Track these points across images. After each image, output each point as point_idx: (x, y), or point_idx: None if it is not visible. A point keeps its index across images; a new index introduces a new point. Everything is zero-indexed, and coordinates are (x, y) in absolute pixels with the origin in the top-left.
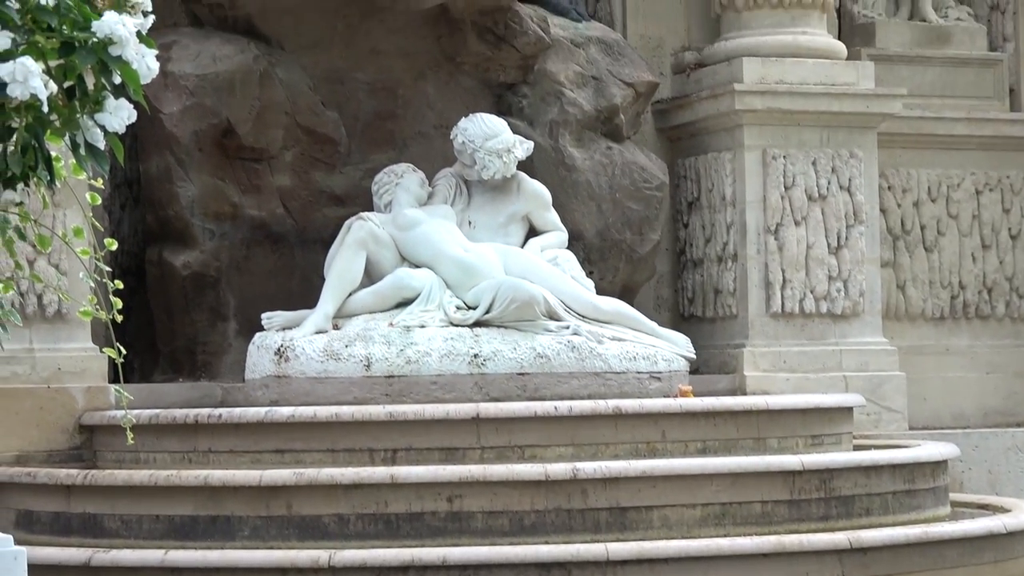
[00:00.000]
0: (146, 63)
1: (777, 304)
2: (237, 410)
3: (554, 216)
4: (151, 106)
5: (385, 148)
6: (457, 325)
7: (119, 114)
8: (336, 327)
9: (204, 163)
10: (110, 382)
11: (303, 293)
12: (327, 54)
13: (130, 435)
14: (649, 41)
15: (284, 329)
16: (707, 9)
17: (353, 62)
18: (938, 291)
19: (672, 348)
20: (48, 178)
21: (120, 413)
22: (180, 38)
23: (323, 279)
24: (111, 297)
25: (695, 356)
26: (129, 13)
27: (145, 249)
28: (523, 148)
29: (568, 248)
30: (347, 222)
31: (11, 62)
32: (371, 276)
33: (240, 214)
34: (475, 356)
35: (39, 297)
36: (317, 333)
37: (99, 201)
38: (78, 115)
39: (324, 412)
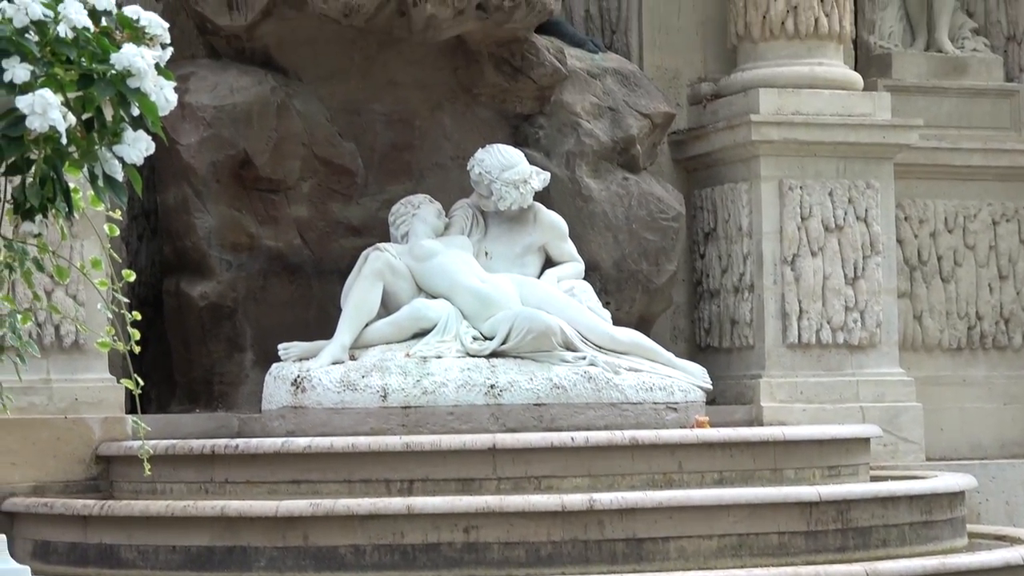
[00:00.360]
0: (164, 95)
1: (794, 335)
2: (254, 441)
3: (571, 247)
4: (169, 137)
5: (402, 179)
6: (474, 356)
7: (137, 146)
8: (353, 358)
9: (221, 194)
10: (127, 412)
11: (320, 324)
12: (344, 85)
13: (147, 466)
14: (666, 72)
15: (301, 360)
16: (723, 40)
17: (370, 93)
18: (955, 322)
19: (689, 379)
20: (66, 210)
21: (137, 444)
22: (198, 70)
23: (340, 310)
24: (129, 328)
25: (712, 387)
26: (147, 45)
27: (162, 280)
28: (540, 179)
29: (585, 279)
30: (364, 253)
31: (30, 94)
32: (388, 307)
33: (257, 245)
34: (492, 387)
35: (56, 328)
36: (334, 364)
37: (117, 232)
38: (96, 147)
39: (341, 443)
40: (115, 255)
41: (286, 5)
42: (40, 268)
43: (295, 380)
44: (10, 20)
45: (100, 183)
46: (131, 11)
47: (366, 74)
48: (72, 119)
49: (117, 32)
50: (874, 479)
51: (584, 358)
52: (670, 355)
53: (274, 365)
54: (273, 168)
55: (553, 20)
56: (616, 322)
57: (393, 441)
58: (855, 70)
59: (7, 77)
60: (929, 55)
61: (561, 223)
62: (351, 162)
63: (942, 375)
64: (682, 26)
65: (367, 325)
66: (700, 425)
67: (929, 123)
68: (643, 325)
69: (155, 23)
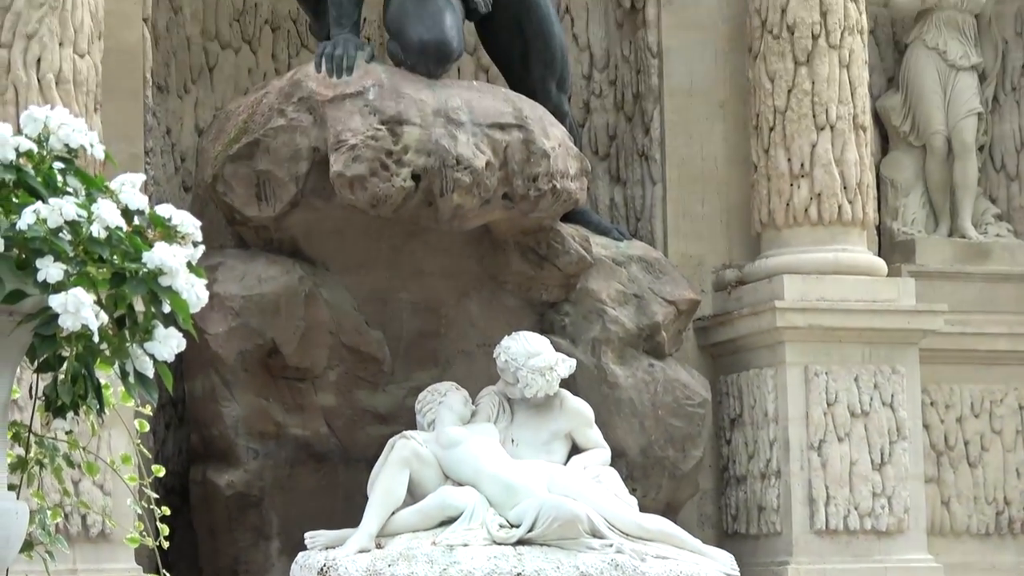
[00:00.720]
0: (196, 292)
1: (821, 521)
2: None
3: (596, 433)
4: (197, 327)
5: (428, 367)
6: (500, 543)
7: (168, 343)
8: (379, 546)
9: (249, 383)
10: None
11: (347, 512)
12: (372, 274)
13: None
14: (690, 259)
15: (327, 548)
16: (748, 227)
17: (397, 282)
18: (983, 507)
19: (716, 566)
20: (97, 407)
21: None
22: (226, 259)
23: (367, 498)
24: (158, 523)
25: (739, 574)
26: (179, 243)
27: (189, 468)
28: (565, 366)
29: (611, 465)
30: (390, 441)
31: (63, 294)
32: (414, 495)
33: (284, 433)
34: (518, 575)
35: (83, 517)
36: (360, 552)
37: (147, 428)
38: (128, 344)
39: None
40: (145, 451)
41: (314, 196)
42: (71, 464)
43: (321, 569)
44: (44, 220)
45: (131, 380)
46: (163, 210)
47: (393, 263)
48: (104, 317)
49: (149, 230)
50: None
51: (611, 545)
52: (697, 542)
53: (300, 554)
54: (300, 357)
55: (578, 209)
56: (643, 509)
57: None
58: (879, 256)
59: (41, 276)
60: (953, 241)
61: (587, 410)
62: (378, 350)
63: (971, 561)
64: (706, 214)
65: (394, 513)
66: None
67: (954, 308)
68: (670, 512)
69: (187, 222)
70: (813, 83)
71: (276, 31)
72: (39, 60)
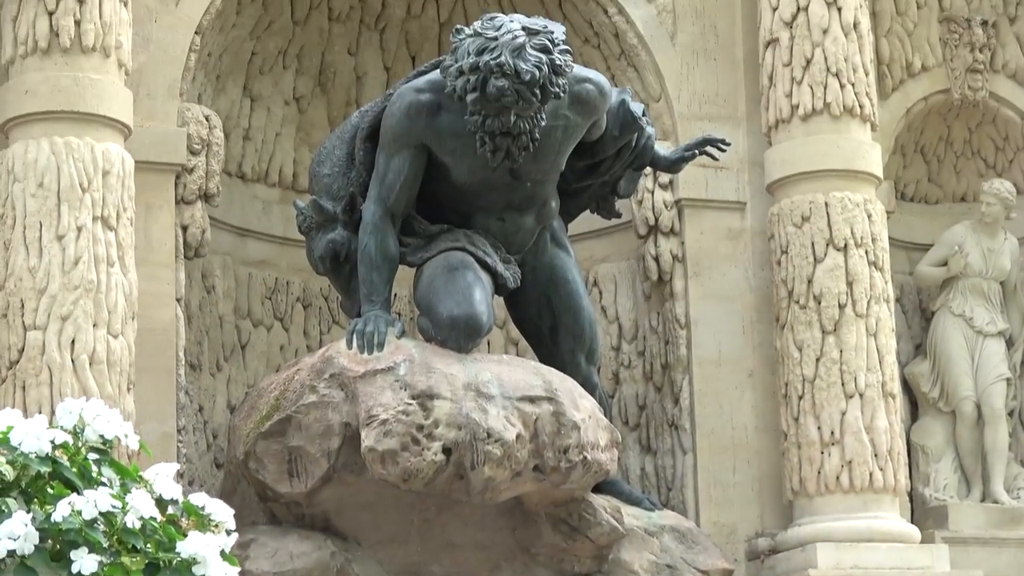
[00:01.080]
0: None
1: None
2: None
3: None
4: None
5: None
6: None
7: None
8: None
9: None
10: None
11: None
12: (404, 548)
13: None
14: (722, 528)
15: None
16: (779, 495)
17: (429, 555)
18: None
19: None
20: None
21: None
22: (258, 536)
23: None
24: None
25: None
26: (213, 532)
27: None
28: None
29: None
30: None
31: None
32: None
33: None
34: None
35: None
36: None
37: None
38: None
39: None
40: None
41: (346, 471)
42: None
43: None
44: (79, 512)
45: None
46: (197, 498)
47: (425, 537)
48: None
49: (183, 519)
50: None
51: None
52: None
53: None
54: None
55: (609, 479)
56: None
57: None
58: (912, 522)
59: (75, 568)
60: (986, 506)
61: None
62: None
63: None
64: (737, 482)
65: None
66: None
67: (989, 574)
68: None
69: (220, 510)
70: (841, 352)
71: (307, 308)
72: (73, 341)
